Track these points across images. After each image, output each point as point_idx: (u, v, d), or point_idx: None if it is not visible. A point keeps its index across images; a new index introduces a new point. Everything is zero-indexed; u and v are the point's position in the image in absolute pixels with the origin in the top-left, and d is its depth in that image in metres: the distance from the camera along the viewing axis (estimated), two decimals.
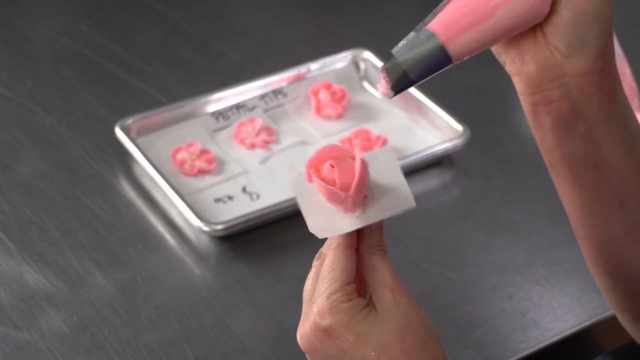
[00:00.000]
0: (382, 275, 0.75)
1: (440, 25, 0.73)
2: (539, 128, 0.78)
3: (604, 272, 0.83)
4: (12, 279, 1.11)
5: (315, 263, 0.78)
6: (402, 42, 0.74)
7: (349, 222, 0.75)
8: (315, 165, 0.75)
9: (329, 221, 0.75)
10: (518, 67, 0.76)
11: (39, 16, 1.56)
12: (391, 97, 0.75)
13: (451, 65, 0.75)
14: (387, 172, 0.76)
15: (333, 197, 0.74)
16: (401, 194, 0.75)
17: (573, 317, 1.08)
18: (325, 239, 0.78)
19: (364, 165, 0.74)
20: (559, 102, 0.76)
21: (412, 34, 0.74)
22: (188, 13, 1.57)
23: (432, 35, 0.73)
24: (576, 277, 1.12)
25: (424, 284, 1.11)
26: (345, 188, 0.73)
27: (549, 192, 1.22)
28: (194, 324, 1.07)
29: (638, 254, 0.81)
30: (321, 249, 0.78)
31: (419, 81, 0.74)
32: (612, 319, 0.95)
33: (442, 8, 0.74)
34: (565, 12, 0.73)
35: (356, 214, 0.75)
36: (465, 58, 0.75)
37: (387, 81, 0.74)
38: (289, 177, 1.24)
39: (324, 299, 0.74)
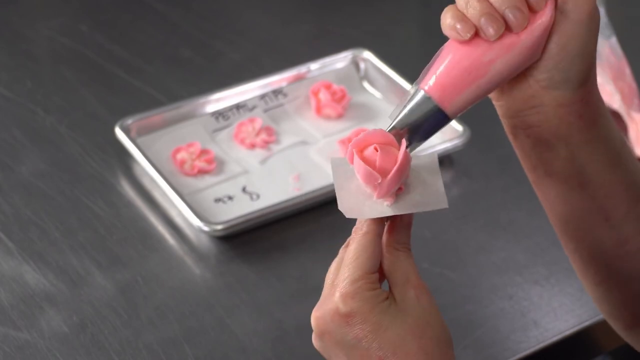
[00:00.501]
0: (406, 271, 0.75)
1: (437, 87, 0.74)
2: (519, 148, 0.79)
3: (595, 282, 0.83)
4: (12, 279, 1.11)
5: (342, 251, 0.77)
6: (397, 107, 0.75)
7: (379, 209, 0.74)
8: (360, 147, 0.74)
9: (359, 204, 0.75)
10: (498, 93, 0.76)
11: (39, 16, 1.56)
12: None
13: (449, 122, 0.75)
14: (426, 171, 0.77)
15: (369, 179, 0.73)
16: (435, 194, 0.76)
17: (573, 317, 1.08)
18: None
19: (407, 156, 0.74)
20: (538, 127, 0.76)
21: (407, 94, 0.75)
22: (188, 13, 1.57)
23: (428, 99, 0.74)
24: (576, 277, 1.11)
25: None
26: (384, 173, 0.73)
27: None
28: (194, 324, 1.07)
29: (627, 266, 0.80)
30: (349, 239, 0.77)
31: (420, 143, 0.75)
32: None
33: (433, 65, 0.74)
34: (551, 47, 0.73)
35: (387, 202, 0.74)
36: (463, 112, 0.75)
37: None
38: (289, 177, 1.24)
39: (348, 285, 0.73)
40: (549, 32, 0.72)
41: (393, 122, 0.75)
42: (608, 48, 1.33)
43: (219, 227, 1.15)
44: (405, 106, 0.75)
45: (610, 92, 1.32)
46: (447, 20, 0.73)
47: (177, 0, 1.59)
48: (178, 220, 1.19)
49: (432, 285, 1.10)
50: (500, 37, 0.72)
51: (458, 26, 0.72)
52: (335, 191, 0.76)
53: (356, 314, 0.73)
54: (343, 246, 0.77)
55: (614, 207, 0.78)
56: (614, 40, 1.33)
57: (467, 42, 0.73)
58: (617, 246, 0.79)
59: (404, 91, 1.33)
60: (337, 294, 0.73)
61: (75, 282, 1.11)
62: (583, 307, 1.09)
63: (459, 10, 0.73)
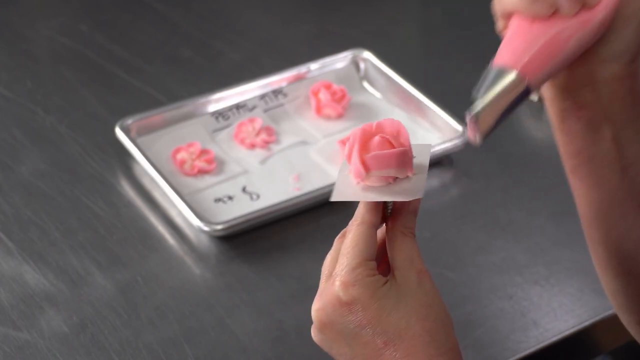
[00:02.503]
0: (410, 255, 0.75)
1: (517, 61, 0.73)
2: (565, 133, 0.79)
3: (616, 273, 0.83)
4: (12, 279, 1.11)
5: (336, 241, 0.77)
6: (480, 85, 0.74)
7: (356, 194, 0.76)
8: (363, 147, 0.75)
9: (345, 188, 0.76)
10: None
11: (39, 16, 1.56)
12: (479, 143, 0.75)
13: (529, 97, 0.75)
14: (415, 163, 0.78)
15: (402, 158, 0.75)
16: (415, 185, 0.76)
17: (573, 317, 1.08)
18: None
19: (405, 147, 0.76)
20: (589, 108, 0.76)
21: (491, 73, 0.74)
22: (188, 13, 1.57)
23: (510, 72, 0.73)
24: (576, 277, 1.12)
25: None
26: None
27: (549, 192, 1.22)
28: (194, 324, 1.07)
29: None
30: (344, 230, 0.78)
31: (505, 119, 0.75)
32: (612, 319, 0.95)
33: (509, 43, 0.74)
34: (618, 18, 0.73)
35: (370, 189, 0.75)
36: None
37: (475, 127, 0.75)
38: (289, 177, 1.24)
39: (348, 272, 0.73)
40: (617, 6, 0.73)
41: (478, 99, 0.74)
42: None
43: (219, 227, 1.15)
44: (490, 85, 0.74)
45: None
46: None
47: (177, 0, 1.59)
48: (178, 220, 1.19)
49: None
50: (577, 12, 0.73)
51: (537, 3, 0.72)
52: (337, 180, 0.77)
53: (358, 301, 0.73)
54: (337, 237, 0.78)
55: None
56: None
57: (543, 19, 0.73)
58: None
59: (404, 91, 1.33)
60: (337, 283, 0.73)
61: (75, 282, 1.11)
62: (583, 307, 1.09)
63: None
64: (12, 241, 1.16)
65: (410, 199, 0.76)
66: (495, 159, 1.29)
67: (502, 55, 0.74)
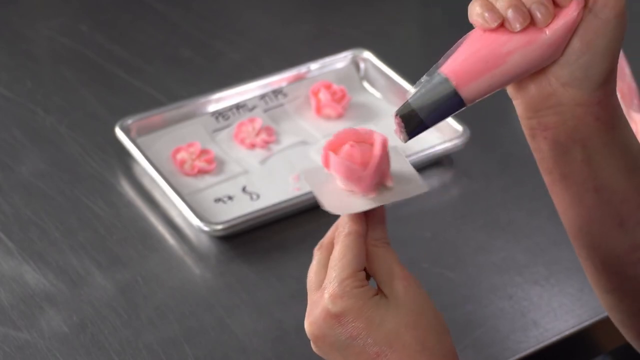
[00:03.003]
0: (389, 266, 0.75)
1: (454, 71, 0.74)
2: (537, 150, 0.79)
3: (606, 290, 0.83)
4: (12, 279, 1.11)
5: (316, 252, 0.77)
6: (415, 87, 0.75)
7: (364, 203, 0.75)
8: (334, 147, 0.75)
9: (343, 201, 0.76)
10: (516, 91, 0.77)
11: (39, 16, 1.56)
12: (405, 142, 0.76)
13: (464, 108, 0.76)
14: (397, 163, 0.78)
15: (351, 174, 0.74)
16: (413, 180, 0.77)
17: (573, 317, 1.08)
18: (325, 232, 0.78)
19: (385, 146, 0.75)
20: (555, 129, 0.76)
21: (424, 77, 0.75)
22: (188, 13, 1.57)
23: (446, 81, 0.74)
24: (576, 277, 1.12)
25: (424, 284, 1.10)
26: (365, 166, 0.74)
27: (549, 192, 1.22)
28: (194, 324, 1.07)
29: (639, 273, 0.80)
30: (322, 240, 0.78)
31: (432, 125, 0.75)
32: None
33: (454, 51, 0.75)
34: (574, 43, 0.73)
35: (370, 195, 0.75)
36: (478, 100, 0.76)
37: (400, 126, 0.75)
38: (289, 177, 1.24)
39: (336, 285, 0.73)
40: (572, 31, 0.73)
41: (408, 99, 0.75)
42: None
43: (219, 227, 1.15)
44: (422, 87, 0.75)
45: None
46: (476, 8, 0.74)
47: (177, 0, 1.59)
48: (178, 220, 1.19)
49: (432, 285, 1.11)
50: (524, 30, 0.73)
51: (486, 14, 0.73)
52: (316, 196, 0.77)
53: (347, 313, 0.73)
54: (316, 248, 0.78)
55: (628, 213, 0.78)
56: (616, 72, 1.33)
57: (490, 31, 0.74)
58: (630, 252, 0.79)
59: (404, 91, 1.33)
60: (326, 296, 0.73)
61: (75, 282, 1.11)
62: (583, 307, 1.09)
63: (487, 0, 0.73)
64: (12, 241, 1.16)
65: (420, 192, 0.75)
66: (495, 159, 1.29)
67: (444, 61, 0.75)
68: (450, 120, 1.27)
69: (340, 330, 0.73)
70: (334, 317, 0.73)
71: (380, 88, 1.37)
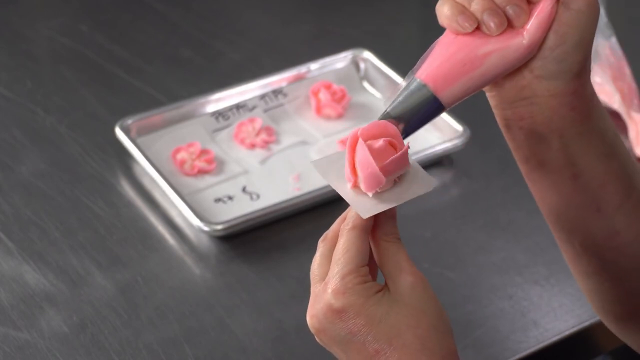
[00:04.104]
0: (399, 261, 0.75)
1: (430, 75, 0.74)
2: (512, 140, 0.79)
3: (587, 273, 0.83)
4: (12, 279, 1.11)
5: (320, 244, 0.77)
6: (393, 96, 0.75)
7: (381, 203, 0.74)
8: (367, 137, 0.74)
9: (367, 199, 0.75)
10: (491, 84, 0.76)
11: (39, 16, 1.56)
12: None
13: (444, 112, 0.75)
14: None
15: (374, 180, 0.73)
16: (422, 177, 0.76)
17: (573, 317, 1.08)
18: (325, 232, 0.78)
19: (406, 148, 0.75)
20: (530, 119, 0.76)
21: (402, 84, 0.75)
22: (188, 13, 1.57)
23: (423, 86, 0.74)
24: None
25: None
26: (384, 170, 0.74)
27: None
28: (194, 324, 1.07)
29: (619, 259, 0.80)
30: (327, 232, 0.77)
31: (414, 131, 0.75)
32: None
33: (429, 56, 0.75)
34: (548, 35, 0.73)
35: (385, 195, 0.75)
36: (457, 103, 0.75)
37: None
38: (289, 177, 1.24)
39: (339, 280, 0.73)
40: (549, 27, 0.72)
41: (387, 108, 0.75)
42: (608, 48, 1.33)
43: (219, 227, 1.15)
44: (400, 94, 0.75)
45: (610, 92, 1.32)
46: (445, 11, 0.73)
47: (177, 0, 1.59)
48: (178, 220, 1.19)
49: (432, 285, 1.11)
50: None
51: (459, 18, 0.73)
52: (342, 194, 0.75)
53: (349, 309, 0.73)
54: (320, 240, 0.77)
55: (606, 200, 0.78)
56: (614, 40, 1.33)
57: (464, 34, 0.73)
58: (608, 238, 0.79)
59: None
60: (329, 291, 0.73)
61: (75, 282, 1.11)
62: (583, 307, 1.09)
63: (457, 3, 0.73)
64: (12, 241, 1.16)
65: (430, 189, 0.75)
66: (495, 159, 1.29)
67: (421, 67, 0.75)
68: (450, 120, 1.27)
69: (340, 326, 0.73)
70: (335, 313, 0.73)
71: (380, 88, 1.37)
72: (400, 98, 0.75)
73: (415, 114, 0.75)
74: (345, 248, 0.74)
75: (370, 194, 0.74)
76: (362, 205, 0.74)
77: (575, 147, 0.76)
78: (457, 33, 0.74)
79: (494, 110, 0.78)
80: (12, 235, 1.17)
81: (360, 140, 0.73)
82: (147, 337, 1.05)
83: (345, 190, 0.75)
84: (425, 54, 0.75)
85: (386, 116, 0.75)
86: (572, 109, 0.75)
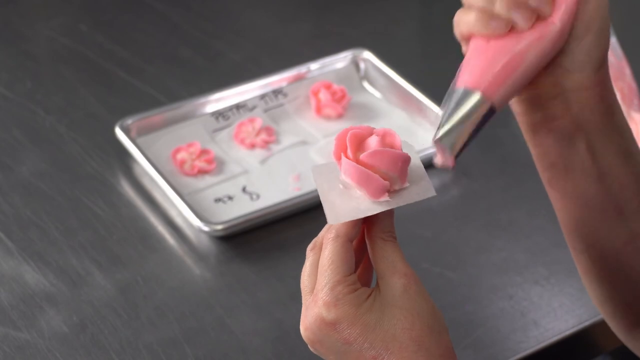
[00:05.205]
0: (393, 261, 0.74)
1: (477, 82, 0.74)
2: (538, 146, 0.79)
3: (600, 281, 0.83)
4: (12, 279, 1.11)
5: (309, 253, 0.76)
6: (441, 109, 0.75)
7: (372, 206, 0.74)
8: (353, 144, 0.74)
9: (349, 205, 0.74)
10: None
11: (39, 16, 1.56)
12: (453, 165, 0.75)
13: (494, 115, 0.75)
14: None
15: (378, 188, 0.73)
16: (423, 184, 0.76)
17: (573, 317, 1.08)
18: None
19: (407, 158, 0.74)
20: (560, 119, 0.76)
21: (446, 97, 0.75)
22: (188, 13, 1.57)
23: (473, 94, 0.74)
24: (576, 277, 1.11)
25: (424, 284, 1.11)
26: (392, 167, 0.73)
27: (546, 189, 1.22)
28: (194, 324, 1.07)
29: (635, 261, 0.81)
30: (315, 239, 0.77)
31: (472, 141, 0.75)
32: None
33: (469, 64, 0.75)
34: (577, 26, 0.73)
35: (383, 198, 0.74)
36: (506, 104, 0.76)
37: (443, 151, 0.75)
38: (289, 177, 1.24)
39: (328, 292, 0.73)
40: (575, 13, 0.73)
41: (443, 122, 0.74)
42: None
43: (219, 227, 1.15)
44: (449, 106, 0.74)
45: None
46: (472, 19, 0.73)
47: (177, 0, 1.59)
48: (178, 220, 1.19)
49: (432, 285, 1.11)
50: (532, 26, 0.73)
51: (492, 23, 0.73)
52: (323, 199, 0.75)
53: (342, 320, 0.72)
54: (309, 248, 0.77)
55: (627, 200, 0.78)
56: (614, 40, 1.33)
57: (497, 37, 0.74)
58: (627, 242, 0.80)
59: (404, 91, 1.33)
60: (320, 303, 0.73)
61: (75, 282, 1.11)
62: (583, 307, 1.09)
63: (482, 8, 0.73)
64: (12, 241, 1.16)
65: (426, 197, 0.75)
66: (495, 159, 1.29)
67: (464, 77, 0.75)
68: None
69: (336, 337, 0.73)
70: (329, 325, 0.73)
71: (380, 88, 1.37)
72: (450, 110, 0.74)
73: (473, 123, 0.74)
74: (330, 259, 0.73)
75: (375, 199, 0.74)
76: (336, 211, 0.74)
77: (599, 145, 0.77)
78: (490, 38, 0.74)
79: (520, 118, 0.78)
80: (12, 235, 1.17)
81: (344, 158, 0.73)
82: (147, 337, 1.05)
83: (327, 195, 0.75)
84: (462, 64, 0.75)
85: (444, 131, 0.74)
86: (601, 100, 0.76)
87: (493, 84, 0.74)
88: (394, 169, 0.73)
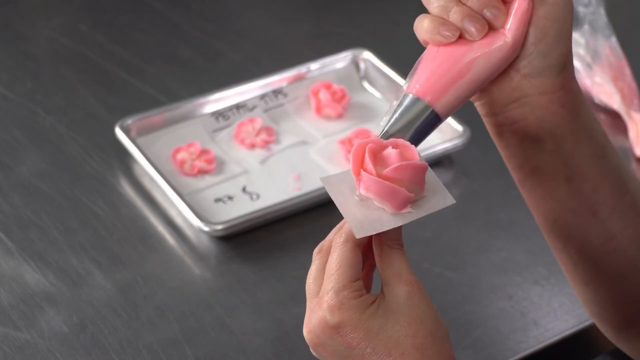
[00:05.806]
0: (398, 269, 0.74)
1: (422, 89, 0.75)
2: (505, 147, 0.79)
3: (583, 282, 0.83)
4: (12, 279, 1.11)
5: (316, 256, 0.77)
6: (386, 115, 0.76)
7: (396, 217, 0.74)
8: (375, 158, 0.74)
9: (371, 216, 0.74)
10: (480, 92, 0.77)
11: (39, 16, 1.56)
12: None
13: (441, 123, 0.76)
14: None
15: (401, 200, 0.73)
16: (441, 192, 0.76)
17: (573, 317, 1.08)
18: (325, 232, 0.77)
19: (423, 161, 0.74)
20: (523, 121, 0.76)
21: (394, 103, 0.76)
22: (188, 13, 1.57)
23: (417, 100, 0.75)
24: None
25: (424, 284, 1.10)
26: (408, 186, 0.73)
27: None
28: (194, 324, 1.07)
29: (615, 263, 0.80)
30: (322, 242, 0.77)
31: (416, 146, 0.75)
32: None
33: (416, 72, 0.76)
34: (530, 32, 0.73)
35: (404, 210, 0.74)
36: (452, 113, 0.76)
37: None
38: (289, 177, 1.24)
39: (333, 296, 0.73)
40: (528, 23, 0.73)
41: (385, 127, 0.75)
42: (608, 48, 1.33)
43: (219, 227, 1.15)
44: (394, 112, 0.75)
45: (610, 92, 1.32)
46: (425, 26, 0.75)
47: (177, 0, 1.59)
48: (178, 220, 1.19)
49: (432, 285, 1.11)
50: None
51: (441, 29, 0.74)
52: (343, 211, 0.74)
53: (346, 324, 0.72)
54: (315, 252, 0.77)
55: (600, 201, 0.78)
56: (614, 40, 1.33)
57: (447, 44, 0.74)
58: (605, 242, 0.79)
59: (404, 91, 1.33)
60: (324, 307, 0.73)
61: (75, 282, 1.11)
62: (583, 307, 1.09)
63: (435, 16, 0.74)
64: (12, 241, 1.16)
65: (445, 206, 0.75)
66: (495, 159, 1.28)
67: (412, 83, 0.75)
68: (450, 120, 1.27)
69: (339, 341, 0.73)
70: (333, 328, 0.73)
71: (380, 88, 1.37)
72: (396, 115, 0.75)
73: (414, 129, 0.75)
74: (338, 263, 0.74)
75: (386, 210, 0.74)
76: (361, 224, 0.73)
77: (567, 147, 0.77)
78: (440, 44, 0.74)
79: (485, 119, 0.78)
80: (12, 235, 1.17)
81: (365, 174, 0.73)
82: (147, 337, 1.05)
83: (347, 208, 0.75)
84: (411, 71, 0.76)
85: (385, 135, 0.75)
86: (562, 105, 0.75)
87: (438, 92, 0.74)
88: (415, 179, 0.74)
